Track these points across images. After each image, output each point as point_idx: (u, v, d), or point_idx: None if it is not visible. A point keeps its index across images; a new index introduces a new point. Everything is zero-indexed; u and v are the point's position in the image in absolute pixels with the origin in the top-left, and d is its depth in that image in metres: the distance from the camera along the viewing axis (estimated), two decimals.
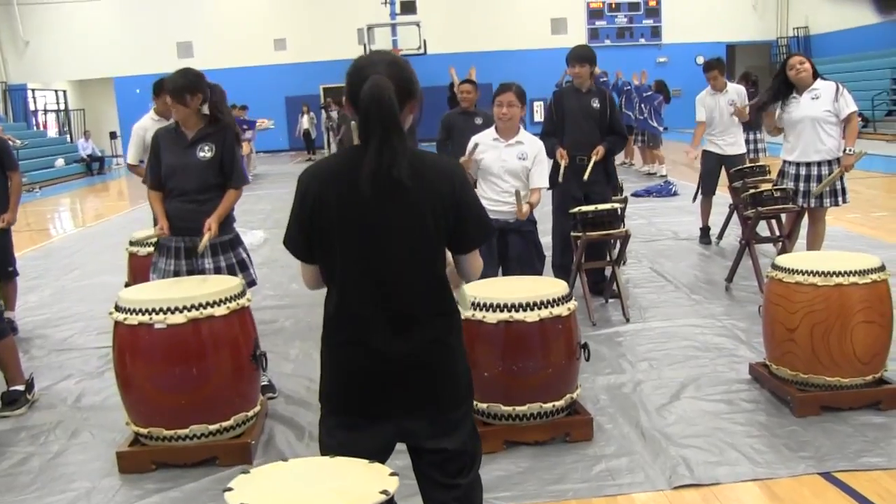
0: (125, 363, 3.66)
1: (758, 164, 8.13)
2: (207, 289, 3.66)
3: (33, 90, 26.49)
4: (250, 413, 3.79)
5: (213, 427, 3.62)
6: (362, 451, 2.02)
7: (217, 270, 4.23)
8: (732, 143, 7.76)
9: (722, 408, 4.05)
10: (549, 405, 3.68)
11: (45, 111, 27.50)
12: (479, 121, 6.32)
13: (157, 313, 3.51)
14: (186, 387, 3.57)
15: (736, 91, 7.70)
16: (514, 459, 3.57)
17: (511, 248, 4.37)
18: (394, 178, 2.01)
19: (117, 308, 3.62)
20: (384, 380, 2.12)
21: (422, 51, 20.47)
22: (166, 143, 4.22)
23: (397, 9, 21.09)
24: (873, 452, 3.50)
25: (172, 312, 3.51)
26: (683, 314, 5.64)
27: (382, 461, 2.08)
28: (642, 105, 14.38)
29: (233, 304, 3.67)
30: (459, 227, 2.15)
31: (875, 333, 3.91)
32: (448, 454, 2.18)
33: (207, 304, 3.57)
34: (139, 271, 5.43)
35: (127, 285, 5.45)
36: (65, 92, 27.15)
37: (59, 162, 21.13)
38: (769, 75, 23.07)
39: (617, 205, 5.52)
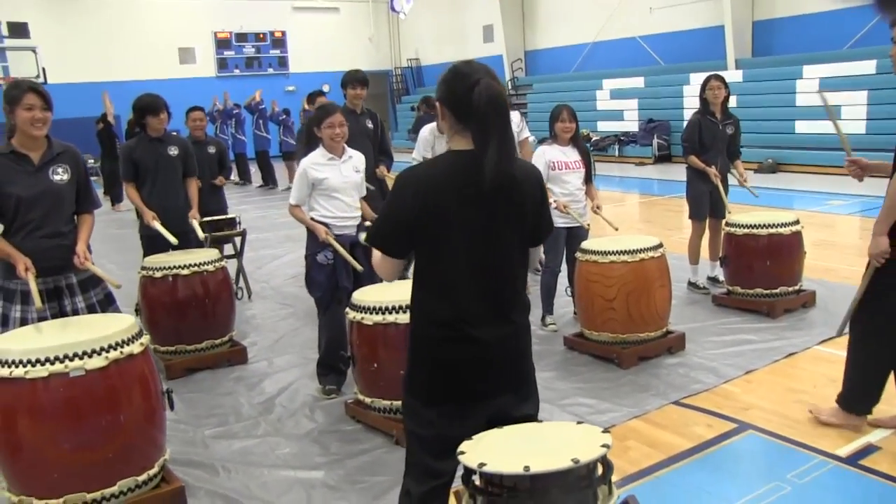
0: (17, 426, 3.14)
1: None
2: (118, 325, 3.34)
3: None
4: (167, 456, 3.54)
5: (141, 478, 3.32)
6: (461, 435, 2.17)
7: (90, 308, 3.84)
8: None
9: (563, 373, 4.77)
10: None
11: None
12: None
13: (71, 359, 3.13)
14: (110, 438, 3.20)
15: None
16: None
17: (361, 261, 4.55)
18: (505, 177, 2.18)
19: (6, 363, 3.08)
20: (486, 365, 2.28)
21: (42, 79, 18.54)
22: (6, 171, 3.67)
23: (4, 30, 18.75)
24: (691, 382, 4.53)
25: (90, 356, 3.16)
26: None
27: None
28: None
29: (144, 340, 3.42)
30: (538, 224, 2.37)
31: (666, 294, 4.97)
32: (530, 418, 2.39)
33: (123, 342, 3.27)
34: None
35: None
36: None
37: None
38: (387, 101, 25.13)
39: None
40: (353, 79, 6.10)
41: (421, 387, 2.35)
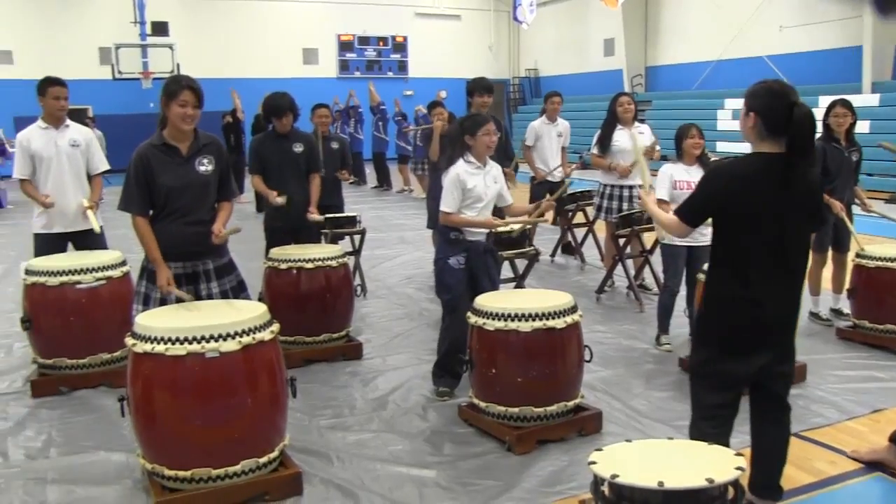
0: (154, 399, 3.36)
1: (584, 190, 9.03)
2: (252, 312, 3.50)
3: None
4: (287, 441, 3.67)
5: (262, 460, 3.45)
6: (739, 378, 2.94)
7: (223, 294, 4.02)
8: (559, 170, 8.64)
9: (678, 395, 4.65)
10: (571, 403, 4.04)
11: None
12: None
13: (207, 341, 3.30)
14: (237, 419, 3.35)
15: (563, 125, 8.58)
16: (554, 455, 3.85)
17: (490, 268, 4.61)
18: (800, 180, 2.79)
19: (149, 339, 3.30)
20: (771, 324, 2.88)
21: (175, 74, 19.59)
22: (159, 162, 3.90)
23: (148, 29, 19.99)
24: (812, 415, 4.35)
25: (225, 339, 3.32)
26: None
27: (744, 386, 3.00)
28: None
29: (274, 328, 3.56)
30: (814, 214, 3.00)
31: None
32: (788, 376, 3.07)
33: (256, 328, 3.42)
34: (43, 306, 4.86)
35: (24, 321, 4.86)
36: None
37: None
38: (503, 110, 25.25)
39: (527, 225, 5.98)
40: (480, 86, 6.19)
41: (718, 337, 2.94)
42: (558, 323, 3.89)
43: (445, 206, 4.50)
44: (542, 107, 8.69)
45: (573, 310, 4.00)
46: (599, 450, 2.17)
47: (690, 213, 2.98)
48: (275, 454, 3.52)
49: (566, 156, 8.66)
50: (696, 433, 2.95)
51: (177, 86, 3.86)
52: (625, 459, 2.11)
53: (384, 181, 16.79)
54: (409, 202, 14.68)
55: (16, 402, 4.72)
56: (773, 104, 2.79)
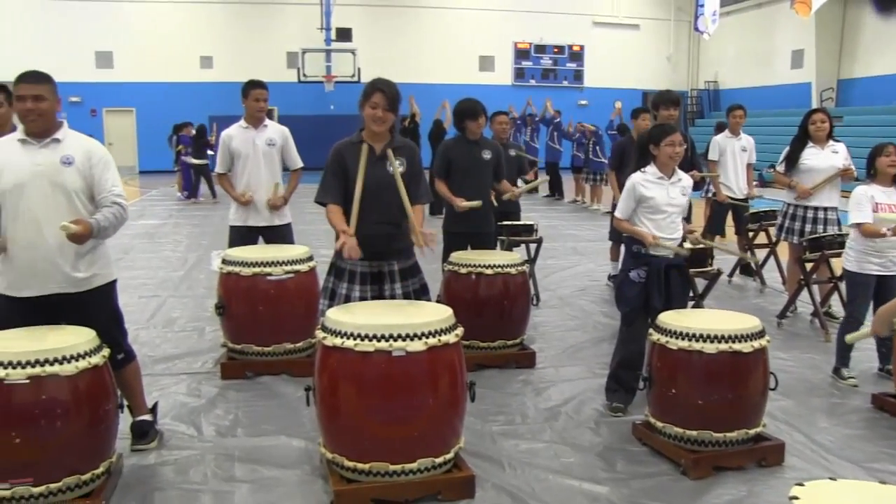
0: (339, 392, 3.49)
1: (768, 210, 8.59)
2: (438, 314, 3.57)
3: None
4: (462, 444, 3.72)
5: (438, 460, 3.51)
6: None
7: (405, 296, 4.13)
8: (744, 187, 8.28)
9: (869, 434, 4.33)
10: (752, 431, 3.85)
11: None
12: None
13: (395, 339, 3.39)
14: (417, 418, 3.44)
15: (747, 139, 8.25)
16: (731, 484, 3.68)
17: (673, 284, 4.50)
18: None
19: (339, 333, 3.43)
20: None
21: (356, 78, 20.47)
22: (353, 159, 4.05)
23: (333, 35, 21.05)
24: None
25: (412, 339, 3.40)
26: None
27: None
28: (597, 147, 15.07)
29: (459, 332, 3.61)
30: None
31: None
32: None
33: (441, 330, 3.48)
34: (236, 294, 5.20)
35: (219, 307, 5.22)
36: None
37: None
38: (680, 123, 24.51)
39: (711, 244, 5.80)
40: (667, 99, 6.05)
41: None
42: (745, 347, 3.73)
43: (617, 211, 4.60)
44: (716, 122, 8.42)
45: (761, 334, 3.82)
46: (801, 484, 2.05)
47: None
48: (450, 455, 3.58)
49: (752, 173, 8.31)
50: None
51: (371, 88, 4.01)
52: (831, 499, 1.98)
53: (556, 190, 16.79)
54: (581, 213, 14.56)
55: (207, 381, 5.07)
56: None
